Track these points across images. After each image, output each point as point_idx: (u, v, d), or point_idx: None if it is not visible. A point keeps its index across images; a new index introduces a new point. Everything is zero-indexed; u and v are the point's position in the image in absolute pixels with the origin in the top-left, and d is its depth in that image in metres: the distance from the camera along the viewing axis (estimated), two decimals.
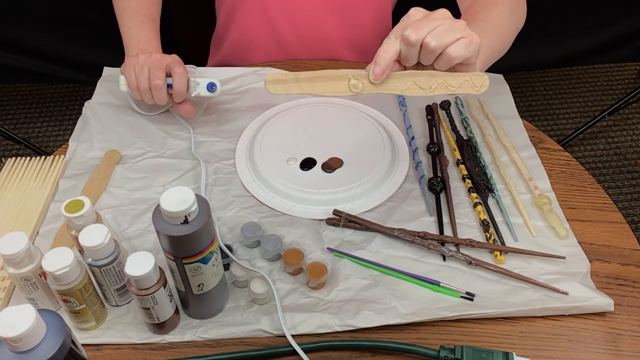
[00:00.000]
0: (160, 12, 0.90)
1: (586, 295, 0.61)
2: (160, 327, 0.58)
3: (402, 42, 0.54)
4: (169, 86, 0.78)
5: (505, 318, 0.61)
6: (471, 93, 0.57)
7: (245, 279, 0.63)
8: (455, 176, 0.76)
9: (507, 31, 0.69)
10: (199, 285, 0.56)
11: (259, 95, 0.89)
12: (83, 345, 0.53)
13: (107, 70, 0.93)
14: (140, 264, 0.52)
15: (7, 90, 2.00)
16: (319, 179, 0.74)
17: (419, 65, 0.57)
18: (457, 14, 0.71)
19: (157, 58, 0.77)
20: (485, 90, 0.57)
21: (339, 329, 0.59)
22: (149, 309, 0.55)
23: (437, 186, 0.73)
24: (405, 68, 0.58)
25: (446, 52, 0.53)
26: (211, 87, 0.79)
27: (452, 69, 0.56)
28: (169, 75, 0.78)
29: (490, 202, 0.73)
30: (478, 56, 0.56)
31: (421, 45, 0.53)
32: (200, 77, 0.80)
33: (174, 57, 0.79)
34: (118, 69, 0.91)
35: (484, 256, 0.66)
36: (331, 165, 0.76)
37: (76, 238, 0.56)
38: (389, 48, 0.55)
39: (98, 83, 0.90)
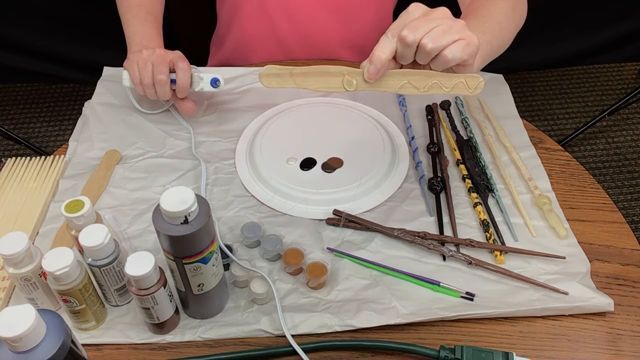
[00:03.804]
0: (162, 9, 0.90)
1: (586, 295, 0.61)
2: (160, 327, 0.58)
3: (398, 41, 0.54)
4: (173, 82, 0.78)
5: (505, 318, 0.61)
6: (466, 94, 0.56)
7: (245, 279, 0.63)
8: (455, 176, 0.76)
9: (507, 28, 0.69)
10: (199, 285, 0.56)
11: (259, 95, 0.89)
12: (83, 345, 0.53)
13: (107, 70, 0.93)
14: (140, 264, 0.52)
15: (7, 90, 2.00)
16: (319, 179, 0.74)
17: (415, 64, 0.57)
18: (457, 11, 0.71)
19: (161, 53, 0.78)
20: (480, 92, 0.56)
21: (339, 329, 0.59)
22: (149, 309, 0.55)
23: (437, 186, 0.73)
24: (401, 66, 0.57)
25: (443, 54, 0.53)
26: (215, 82, 0.79)
27: (449, 69, 0.56)
28: (172, 70, 0.78)
29: (490, 202, 0.73)
30: (476, 57, 0.56)
31: (418, 46, 0.53)
32: (204, 73, 0.80)
33: (177, 53, 0.79)
34: (118, 68, 0.91)
35: (484, 256, 0.66)
36: (331, 165, 0.76)
37: (76, 238, 0.56)
38: (385, 47, 0.54)
39: (98, 83, 0.90)
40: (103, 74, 0.92)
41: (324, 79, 0.55)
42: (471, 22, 0.67)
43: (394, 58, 0.56)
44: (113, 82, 0.90)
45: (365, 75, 0.55)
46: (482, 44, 0.62)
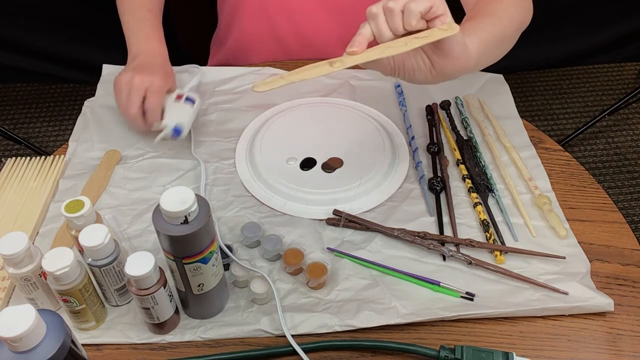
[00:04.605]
0: (162, 6, 0.90)
1: (586, 295, 0.61)
2: (160, 327, 0.58)
3: (369, 19, 0.55)
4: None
5: (505, 318, 0.61)
6: (443, 36, 0.55)
7: (245, 279, 0.63)
8: (455, 176, 0.76)
9: (507, 19, 0.68)
10: (199, 285, 0.56)
11: (259, 95, 0.88)
12: (83, 345, 0.53)
13: (106, 68, 0.92)
14: (140, 264, 0.52)
15: (7, 90, 2.00)
16: (319, 179, 0.74)
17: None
18: (461, 14, 0.71)
19: (137, 84, 0.75)
20: (456, 32, 0.55)
21: (339, 329, 0.59)
22: (149, 309, 0.55)
23: (437, 186, 0.73)
24: None
25: (408, 7, 0.54)
26: (177, 132, 0.76)
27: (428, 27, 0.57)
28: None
29: (490, 202, 0.73)
30: (447, 9, 0.56)
31: (385, 13, 0.55)
32: (170, 119, 0.76)
33: (154, 85, 0.76)
34: (118, 67, 0.91)
35: (484, 256, 0.66)
36: (331, 165, 0.76)
37: (76, 238, 0.56)
38: (362, 30, 0.56)
39: (99, 84, 0.90)
40: (103, 72, 0.92)
41: (313, 69, 0.56)
42: (469, 22, 0.67)
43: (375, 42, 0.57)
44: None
45: (349, 51, 0.56)
46: (477, 31, 0.63)
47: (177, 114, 0.77)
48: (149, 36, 0.83)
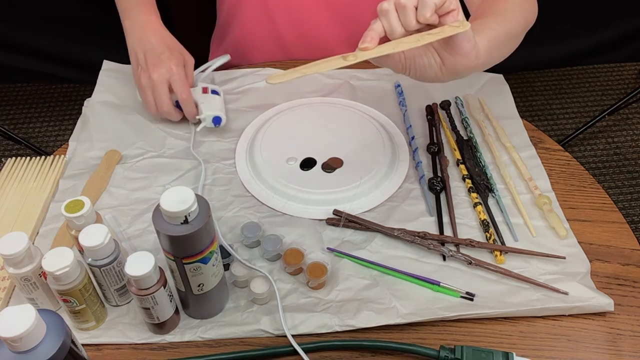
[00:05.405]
0: None
1: (586, 295, 0.61)
2: (160, 327, 0.58)
3: (380, 15, 0.55)
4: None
5: (505, 318, 0.61)
6: (455, 32, 0.55)
7: (245, 279, 0.63)
8: (455, 176, 0.76)
9: (514, 18, 0.68)
10: (199, 285, 0.56)
11: (259, 95, 0.89)
12: (83, 345, 0.53)
13: (106, 64, 0.92)
14: (140, 264, 0.52)
15: (7, 90, 2.00)
16: (319, 179, 0.74)
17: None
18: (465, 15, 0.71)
19: (156, 79, 0.78)
20: (468, 28, 0.55)
21: (339, 329, 0.59)
22: (149, 309, 0.55)
23: (437, 186, 0.73)
24: None
25: (421, 0, 0.53)
26: (217, 121, 0.80)
27: (439, 24, 0.56)
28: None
29: (490, 202, 0.73)
30: (460, 8, 0.55)
31: (397, 10, 0.54)
32: (205, 111, 0.79)
33: (174, 75, 0.78)
34: (119, 64, 0.91)
35: (484, 256, 0.66)
36: (331, 165, 0.76)
37: (76, 238, 0.56)
38: (373, 25, 0.56)
39: (98, 79, 0.90)
40: (103, 67, 0.91)
41: (326, 63, 0.56)
42: (475, 22, 0.67)
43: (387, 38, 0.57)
44: (113, 79, 0.89)
45: (361, 47, 0.56)
46: (485, 29, 0.63)
47: (211, 106, 0.81)
48: (138, 10, 0.83)
